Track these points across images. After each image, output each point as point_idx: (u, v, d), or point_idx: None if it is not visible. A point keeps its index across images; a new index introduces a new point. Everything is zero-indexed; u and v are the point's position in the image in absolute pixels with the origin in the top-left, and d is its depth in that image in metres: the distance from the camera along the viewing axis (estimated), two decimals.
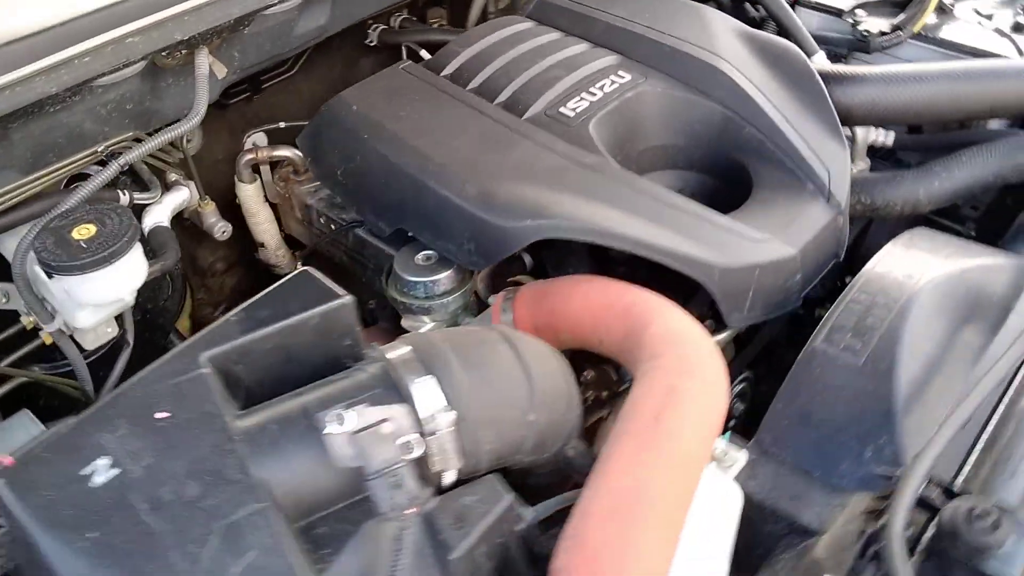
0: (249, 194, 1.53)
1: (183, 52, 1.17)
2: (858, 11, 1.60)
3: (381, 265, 1.41)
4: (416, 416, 0.80)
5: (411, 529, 0.75)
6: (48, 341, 1.17)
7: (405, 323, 1.23)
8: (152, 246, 1.22)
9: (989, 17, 1.59)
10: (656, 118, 1.34)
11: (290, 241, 1.62)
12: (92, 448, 0.76)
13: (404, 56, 1.67)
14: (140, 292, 1.10)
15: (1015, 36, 1.52)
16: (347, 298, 0.89)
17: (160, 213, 1.28)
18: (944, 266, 1.13)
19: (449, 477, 0.83)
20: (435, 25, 1.84)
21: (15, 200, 1.12)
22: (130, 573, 0.68)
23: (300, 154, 1.51)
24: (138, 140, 1.20)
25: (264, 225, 1.56)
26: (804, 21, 1.59)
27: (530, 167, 1.17)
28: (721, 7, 1.68)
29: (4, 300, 1.18)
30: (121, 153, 1.11)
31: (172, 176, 1.41)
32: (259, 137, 1.60)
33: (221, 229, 1.49)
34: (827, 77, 1.35)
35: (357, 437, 0.76)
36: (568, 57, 1.37)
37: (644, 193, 1.16)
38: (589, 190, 1.14)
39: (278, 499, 0.75)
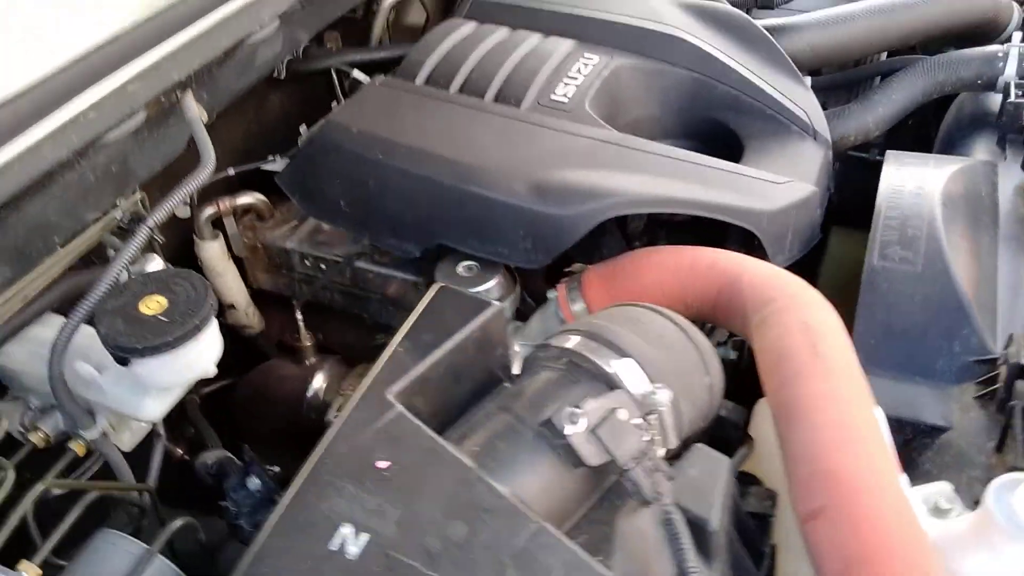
0: (214, 252, 1.39)
1: (170, 97, 1.04)
2: None
3: (391, 295, 1.34)
4: (633, 399, 0.77)
5: (676, 512, 0.72)
6: (81, 452, 1.00)
7: None
8: None
9: None
10: (632, 91, 1.37)
11: (256, 296, 1.49)
12: (327, 519, 0.67)
13: (336, 81, 1.58)
14: None
15: None
16: (497, 304, 0.84)
17: None
18: (938, 176, 1.25)
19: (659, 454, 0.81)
20: (331, 48, 1.76)
21: (12, 296, 0.95)
22: None
23: (263, 199, 1.40)
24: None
25: (232, 284, 1.43)
26: None
27: (564, 153, 1.15)
28: None
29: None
30: (139, 217, 0.98)
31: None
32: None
33: None
34: (769, 30, 1.45)
35: (599, 432, 0.72)
36: (532, 48, 1.37)
37: (674, 157, 1.19)
38: (628, 164, 1.15)
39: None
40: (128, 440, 1.03)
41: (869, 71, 1.65)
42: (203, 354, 0.88)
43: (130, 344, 0.83)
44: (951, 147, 1.48)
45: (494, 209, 1.11)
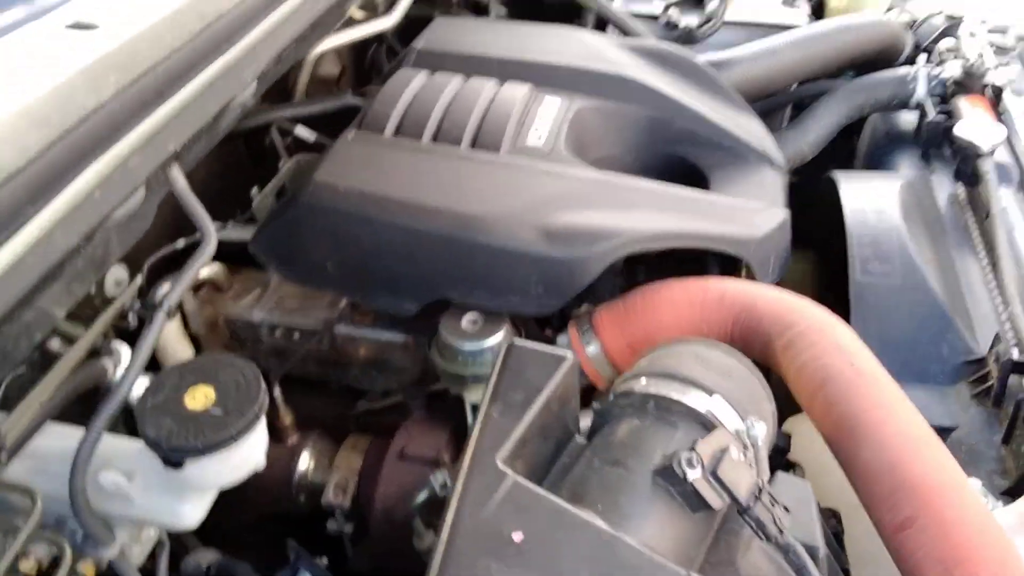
0: (170, 333, 1.28)
1: (165, 169, 0.96)
2: (671, 12, 1.80)
3: (375, 358, 1.28)
4: (731, 435, 0.77)
5: (796, 543, 0.73)
6: (91, 574, 0.89)
7: (474, 396, 1.14)
8: None
9: None
10: (595, 132, 1.39)
11: None
12: None
13: (278, 141, 1.50)
14: None
15: (799, 5, 1.84)
16: (570, 357, 0.82)
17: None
18: (890, 193, 1.34)
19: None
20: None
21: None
22: None
23: (222, 269, 1.31)
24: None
25: None
26: None
27: (563, 196, 1.15)
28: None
29: None
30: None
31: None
32: None
33: None
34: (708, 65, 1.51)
35: (718, 473, 0.72)
36: (493, 94, 1.36)
37: (664, 192, 1.21)
38: (626, 202, 1.17)
39: None
40: (139, 554, 0.92)
41: (781, 100, 1.75)
42: (257, 446, 0.81)
43: (188, 444, 0.75)
44: (876, 164, 1.59)
45: (503, 258, 1.09)
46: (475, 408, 1.16)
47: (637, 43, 1.53)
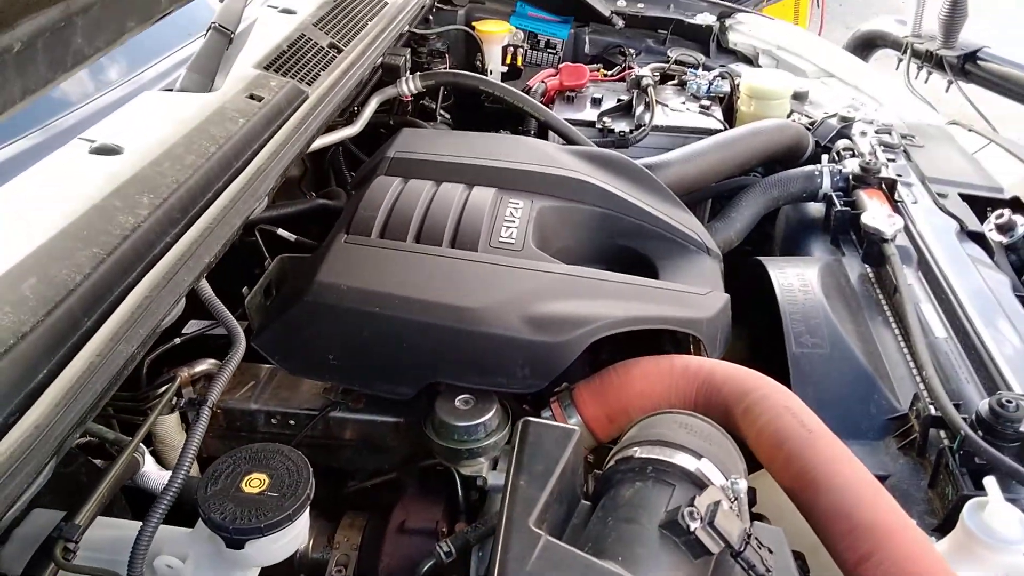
0: (169, 426, 1.35)
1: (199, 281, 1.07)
2: (605, 119, 2.01)
3: (368, 440, 1.38)
4: (720, 491, 0.92)
5: None
6: None
7: (466, 470, 1.26)
8: None
9: (686, 104, 2.13)
10: (553, 228, 1.55)
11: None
12: None
13: (260, 242, 1.61)
14: None
15: (713, 112, 2.08)
16: (577, 429, 0.96)
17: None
18: (811, 274, 1.55)
19: None
20: None
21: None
22: None
23: (213, 363, 1.40)
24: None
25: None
26: None
27: (542, 288, 1.31)
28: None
29: None
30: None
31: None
32: None
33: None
34: (646, 168, 1.71)
35: (715, 523, 0.86)
36: (464, 198, 1.51)
37: (625, 281, 1.38)
38: (596, 292, 1.32)
39: None
40: None
41: (703, 195, 1.98)
42: (305, 524, 0.90)
43: (251, 524, 0.84)
44: (793, 248, 1.81)
45: (493, 343, 1.23)
46: (464, 479, 1.28)
47: (584, 149, 1.72)
